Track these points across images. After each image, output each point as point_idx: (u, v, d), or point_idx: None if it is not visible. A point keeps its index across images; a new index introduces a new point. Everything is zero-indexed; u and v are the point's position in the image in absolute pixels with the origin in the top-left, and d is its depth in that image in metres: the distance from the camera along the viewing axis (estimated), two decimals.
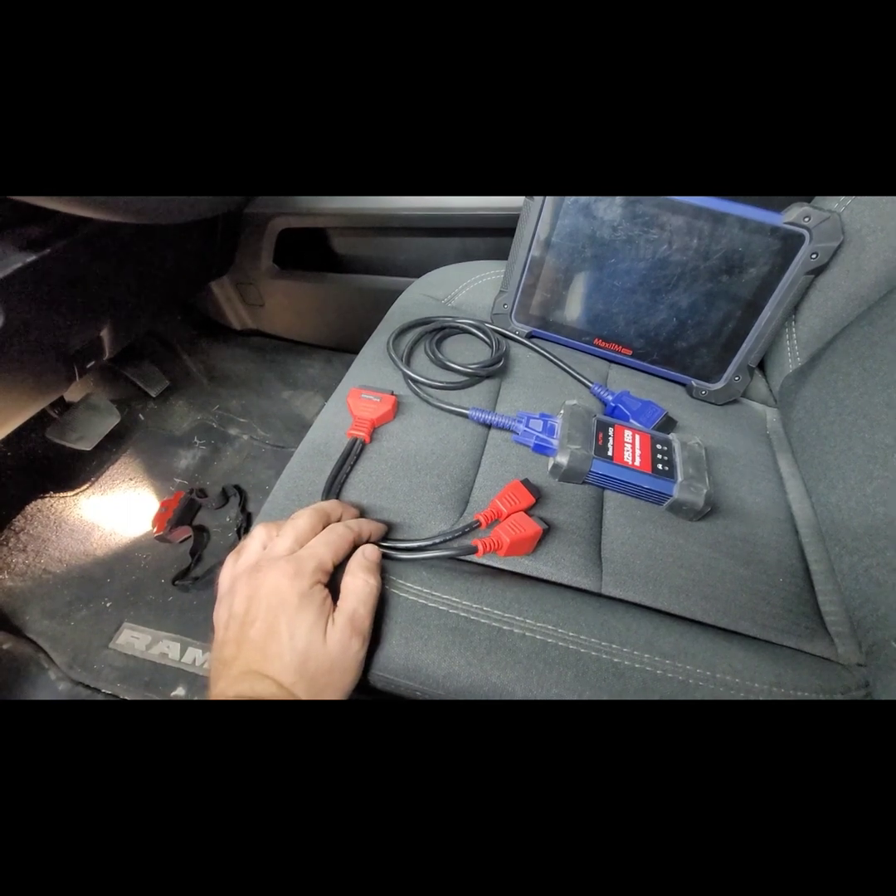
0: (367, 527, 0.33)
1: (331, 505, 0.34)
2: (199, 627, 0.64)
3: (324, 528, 0.32)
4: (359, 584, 0.30)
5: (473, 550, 0.33)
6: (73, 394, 0.79)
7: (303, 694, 0.27)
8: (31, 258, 0.40)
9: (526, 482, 0.37)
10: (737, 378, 0.48)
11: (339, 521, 0.33)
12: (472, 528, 0.35)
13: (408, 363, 0.48)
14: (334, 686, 0.28)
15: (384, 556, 0.33)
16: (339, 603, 0.29)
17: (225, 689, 0.27)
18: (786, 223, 0.40)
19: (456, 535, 0.34)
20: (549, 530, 0.36)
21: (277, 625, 0.27)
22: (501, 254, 0.53)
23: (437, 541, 0.34)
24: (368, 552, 0.32)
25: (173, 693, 0.60)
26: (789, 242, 0.41)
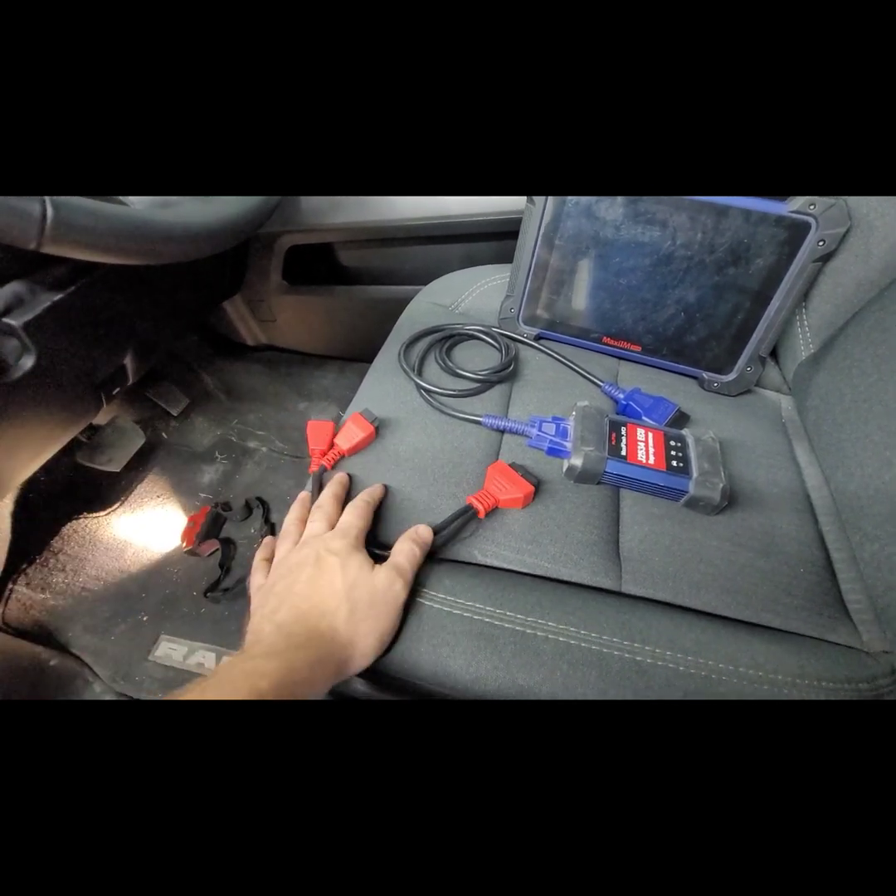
0: (376, 491, 0.38)
1: (342, 489, 0.38)
2: (232, 636, 0.66)
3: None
4: (404, 547, 0.34)
5: (472, 511, 0.37)
6: (99, 417, 0.82)
7: (343, 623, 0.29)
8: (58, 297, 0.42)
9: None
10: (749, 369, 0.48)
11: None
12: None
13: (419, 373, 0.49)
14: (371, 623, 0.30)
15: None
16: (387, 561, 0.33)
17: (261, 622, 0.30)
18: (791, 212, 0.40)
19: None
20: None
21: (328, 565, 0.31)
22: (506, 257, 0.53)
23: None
24: (421, 530, 0.35)
25: None
26: (795, 231, 0.40)
